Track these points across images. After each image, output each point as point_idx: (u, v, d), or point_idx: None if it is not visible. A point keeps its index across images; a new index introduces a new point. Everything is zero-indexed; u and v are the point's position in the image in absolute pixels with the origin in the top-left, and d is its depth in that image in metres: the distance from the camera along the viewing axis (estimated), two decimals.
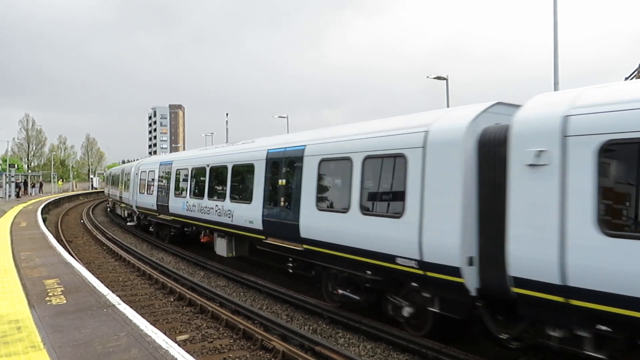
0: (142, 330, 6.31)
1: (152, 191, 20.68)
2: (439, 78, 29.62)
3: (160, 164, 20.31)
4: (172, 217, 18.23)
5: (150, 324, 6.70)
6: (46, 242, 14.87)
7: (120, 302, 7.76)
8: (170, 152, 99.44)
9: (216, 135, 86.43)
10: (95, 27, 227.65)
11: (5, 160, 59.38)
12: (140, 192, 22.79)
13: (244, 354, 7.83)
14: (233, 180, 13.50)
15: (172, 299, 11.43)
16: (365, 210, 8.35)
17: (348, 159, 8.81)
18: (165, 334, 6.53)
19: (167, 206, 18.45)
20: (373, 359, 7.75)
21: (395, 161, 7.84)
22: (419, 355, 7.66)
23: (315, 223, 9.60)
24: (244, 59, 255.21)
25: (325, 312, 9.73)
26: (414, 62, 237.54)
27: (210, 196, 14.70)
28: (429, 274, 7.15)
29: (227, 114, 62.04)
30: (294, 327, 8.96)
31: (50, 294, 8.19)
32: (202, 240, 16.16)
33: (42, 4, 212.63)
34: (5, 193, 41.90)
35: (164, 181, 19.38)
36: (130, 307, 7.68)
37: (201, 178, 15.68)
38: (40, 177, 65.24)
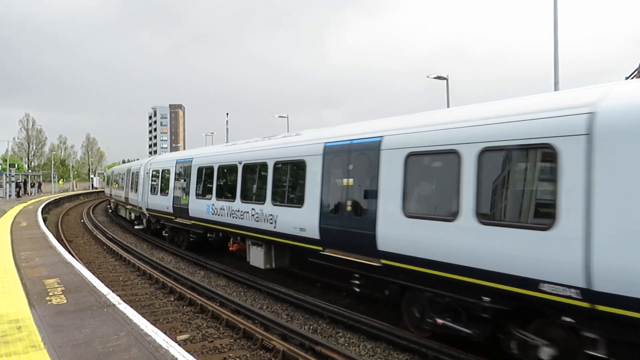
0: (143, 329, 6.31)
1: (168, 192, 18.87)
2: (439, 78, 29.65)
3: (176, 162, 18.52)
4: (193, 222, 16.38)
5: (151, 323, 6.71)
6: (46, 242, 14.88)
7: (121, 301, 7.76)
8: (171, 151, 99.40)
9: (216, 135, 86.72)
10: (95, 27, 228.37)
11: (6, 160, 59.43)
12: (152, 193, 21.00)
13: (244, 354, 7.83)
14: (276, 179, 11.71)
15: (173, 299, 11.44)
16: (484, 218, 6.57)
17: (454, 153, 7.06)
18: (165, 333, 6.53)
19: (187, 209, 16.65)
20: (373, 359, 7.76)
21: (534, 154, 6.21)
22: (419, 355, 7.65)
23: (401, 233, 7.83)
24: (244, 59, 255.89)
25: (325, 312, 9.72)
26: (414, 62, 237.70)
27: (244, 198, 12.95)
28: (601, 308, 5.41)
29: (227, 114, 62.19)
30: (294, 326, 8.96)
31: (50, 294, 8.20)
32: (230, 248, 14.36)
33: (43, 4, 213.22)
34: (6, 193, 41.96)
35: (182, 181, 17.54)
36: (131, 306, 7.69)
37: (231, 177, 13.91)
38: (41, 176, 65.31)
